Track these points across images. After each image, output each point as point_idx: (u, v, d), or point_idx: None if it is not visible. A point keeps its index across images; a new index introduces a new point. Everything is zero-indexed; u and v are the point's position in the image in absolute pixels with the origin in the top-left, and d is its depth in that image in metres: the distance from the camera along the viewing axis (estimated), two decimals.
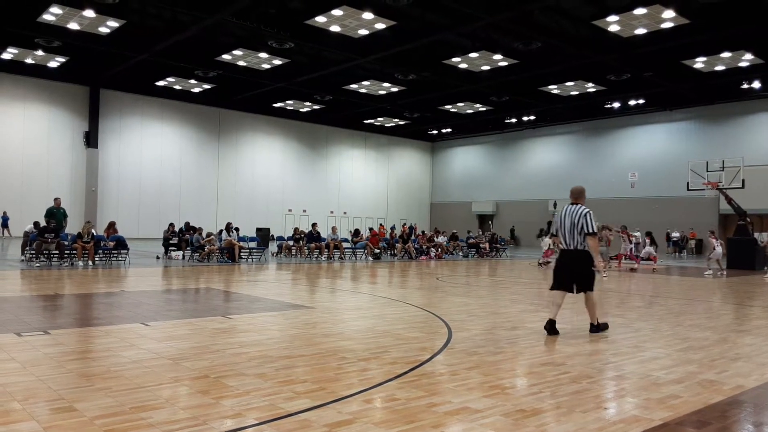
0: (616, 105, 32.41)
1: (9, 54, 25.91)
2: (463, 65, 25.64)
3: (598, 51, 22.98)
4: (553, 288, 6.97)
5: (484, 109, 34.86)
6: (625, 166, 35.23)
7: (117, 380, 4.48)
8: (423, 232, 28.54)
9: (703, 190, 23.31)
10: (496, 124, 39.16)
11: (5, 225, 26.62)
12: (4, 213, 26.61)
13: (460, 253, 26.37)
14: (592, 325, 6.99)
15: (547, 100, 31.73)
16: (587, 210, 6.85)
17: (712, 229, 20.51)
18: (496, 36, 22.04)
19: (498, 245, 27.57)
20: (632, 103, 31.93)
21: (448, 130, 42.27)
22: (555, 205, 38.18)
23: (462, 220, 40.87)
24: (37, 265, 15.06)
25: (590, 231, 6.73)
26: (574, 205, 6.94)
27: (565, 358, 5.64)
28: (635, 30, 20.63)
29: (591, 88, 29.33)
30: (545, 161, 39.63)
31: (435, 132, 43.34)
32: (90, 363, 5.16)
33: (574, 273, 6.85)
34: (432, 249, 24.62)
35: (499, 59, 24.65)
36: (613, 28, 20.55)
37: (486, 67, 25.85)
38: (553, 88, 29.66)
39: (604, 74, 26.69)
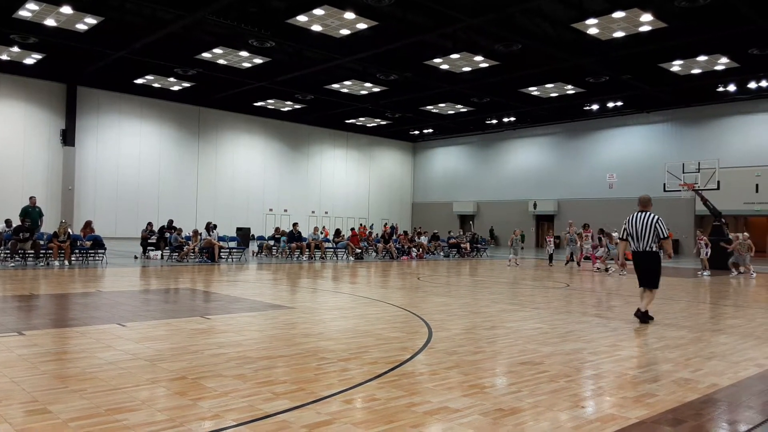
0: (595, 107, 32.79)
1: None
2: (445, 66, 25.74)
3: (577, 54, 23.23)
4: (641, 284, 8.17)
5: (465, 110, 35.03)
6: (604, 167, 35.67)
7: (92, 382, 4.41)
8: (405, 232, 28.59)
9: (680, 191, 23.69)
10: (477, 124, 39.37)
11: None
12: None
13: (441, 253, 26.47)
14: (639, 309, 7.94)
15: (527, 101, 31.99)
16: (658, 216, 7.99)
17: (701, 229, 20.88)
18: (477, 38, 22.16)
19: (478, 245, 27.72)
20: (610, 105, 32.34)
21: (430, 130, 42.39)
22: (535, 205, 38.51)
23: (443, 220, 41.03)
24: (12, 264, 14.79)
25: (664, 235, 7.88)
26: (644, 212, 7.99)
27: (543, 357, 5.69)
28: (614, 33, 20.90)
29: (570, 90, 29.64)
30: (525, 162, 39.96)
31: (416, 132, 43.43)
32: (65, 364, 5.07)
33: (643, 271, 8.02)
34: (413, 249, 24.67)
35: (480, 61, 24.79)
36: (592, 31, 20.79)
37: (467, 69, 25.98)
38: (533, 90, 29.91)
39: (583, 77, 27.00)
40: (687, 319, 8.52)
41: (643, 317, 7.86)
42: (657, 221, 7.90)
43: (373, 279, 14.71)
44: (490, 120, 37.68)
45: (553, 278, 15.70)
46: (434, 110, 35.57)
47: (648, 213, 7.99)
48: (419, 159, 47.26)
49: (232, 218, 34.08)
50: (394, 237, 26.24)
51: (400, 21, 20.31)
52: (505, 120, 37.08)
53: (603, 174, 35.53)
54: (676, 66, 24.93)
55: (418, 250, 24.77)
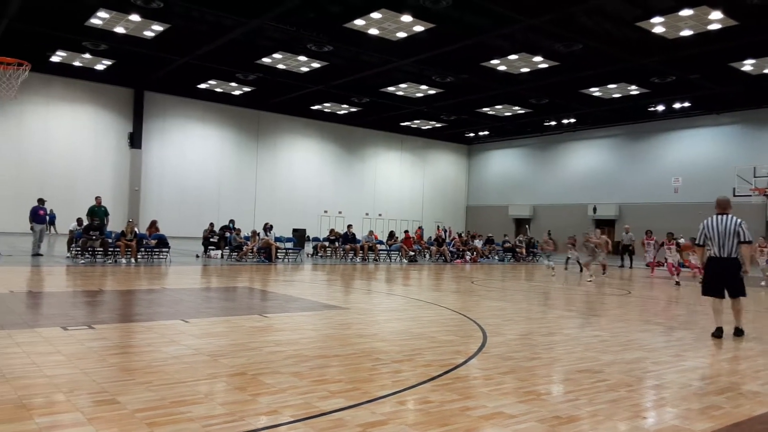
0: (661, 108, 31.59)
1: (58, 57, 26.86)
2: (502, 67, 25.42)
3: (641, 53, 22.46)
4: (705, 293, 7.56)
5: (522, 111, 34.47)
6: (669, 171, 34.31)
7: (157, 375, 4.60)
8: (459, 234, 28.38)
9: (750, 196, 22.52)
10: (535, 126, 38.65)
11: (52, 222, 27.57)
12: (51, 211, 27.64)
13: (496, 257, 26.13)
14: (737, 329, 7.42)
15: (588, 102, 31.18)
16: (741, 220, 7.42)
17: (764, 236, 19.76)
18: (536, 38, 21.77)
19: (535, 250, 27.21)
20: (677, 106, 31.07)
21: (486, 132, 41.92)
22: (595, 209, 37.47)
23: (498, 224, 40.46)
24: (82, 261, 15.56)
25: (746, 239, 7.28)
26: (724, 216, 7.43)
27: (602, 365, 5.53)
28: (681, 32, 20.09)
29: (634, 90, 28.67)
30: (585, 165, 38.92)
31: (472, 135, 43.04)
32: (132, 357, 5.31)
33: (727, 279, 7.33)
34: (467, 252, 24.47)
35: (539, 61, 24.35)
36: (658, 30, 20.05)
37: (525, 69, 25.56)
38: (595, 91, 29.12)
39: (647, 76, 26.06)
40: (756, 330, 8.10)
41: (740, 332, 7.41)
42: (740, 225, 7.32)
43: (427, 282, 14.68)
44: (549, 122, 36.92)
45: (614, 285, 15.24)
46: (491, 112, 35.17)
47: (728, 216, 7.42)
48: (474, 161, 46.83)
49: (289, 219, 34.72)
50: (448, 240, 26.09)
51: (458, 23, 20.20)
52: (565, 122, 36.24)
53: (668, 177, 34.18)
54: (748, 65, 23.72)
55: (473, 254, 24.55)
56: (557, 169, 40.55)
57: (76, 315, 7.44)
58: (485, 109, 34.44)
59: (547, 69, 25.24)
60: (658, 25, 19.61)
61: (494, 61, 24.67)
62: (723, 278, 7.34)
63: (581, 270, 17.52)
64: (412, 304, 9.74)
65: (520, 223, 40.87)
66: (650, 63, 23.72)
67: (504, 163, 44.32)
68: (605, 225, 37.80)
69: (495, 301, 10.56)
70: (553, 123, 37.05)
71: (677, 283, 15.67)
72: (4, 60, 8.29)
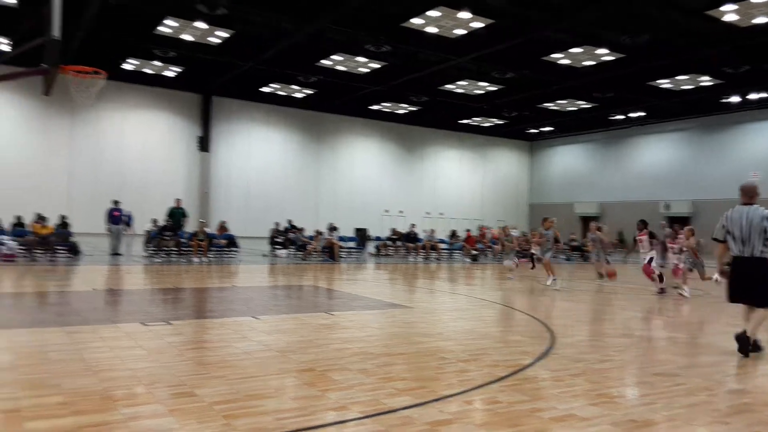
0: (735, 99, 29.94)
1: (130, 65, 28.18)
2: (565, 61, 24.77)
3: (712, 43, 21.34)
4: (733, 300, 6.22)
5: (587, 106, 33.46)
6: (746, 165, 32.44)
7: (231, 369, 4.78)
8: (522, 233, 27.85)
9: None
10: (601, 121, 37.44)
11: (129, 224, 28.99)
12: (129, 212, 29.13)
13: (562, 256, 25.51)
14: (744, 333, 6.11)
15: (656, 95, 29.93)
16: None
17: None
18: (600, 30, 21.08)
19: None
20: (753, 96, 29.36)
21: (549, 128, 40.98)
22: (667, 206, 35.96)
23: (563, 222, 39.38)
24: (158, 260, 16.29)
25: None
26: (750, 206, 6.09)
27: (679, 368, 5.32)
28: (754, 19, 18.98)
29: (706, 81, 27.29)
30: (655, 160, 37.38)
31: (534, 131, 42.17)
32: (207, 352, 5.53)
33: (750, 282, 5.98)
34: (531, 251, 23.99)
35: (604, 54, 23.57)
36: (729, 18, 19.00)
37: (589, 63, 24.81)
38: (664, 83, 27.92)
39: (720, 67, 24.76)
40: None
41: (746, 344, 5.88)
42: (767, 217, 5.93)
43: (491, 281, 14.52)
44: (615, 116, 35.69)
45: (690, 285, 14.58)
46: (553, 107, 34.35)
47: (755, 206, 6.06)
48: (537, 158, 45.86)
49: (350, 219, 35.05)
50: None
51: (517, 17, 19.84)
52: (632, 115, 34.93)
53: (745, 172, 32.28)
54: None
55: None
56: (625, 165, 39.13)
57: (154, 311, 7.81)
58: (548, 105, 33.67)
59: (613, 61, 24.41)
60: (729, 13, 18.61)
61: (556, 55, 24.08)
62: (749, 282, 6.01)
63: (533, 267, 15.78)
64: (476, 304, 9.66)
65: (587, 221, 39.74)
66: (722, 53, 22.53)
67: (568, 160, 43.18)
68: (679, 222, 36.24)
69: (563, 301, 10.32)
70: (620, 117, 35.78)
71: (662, 291, 11.72)
72: (82, 69, 8.77)
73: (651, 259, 11.92)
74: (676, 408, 4.10)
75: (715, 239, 6.30)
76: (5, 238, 15.12)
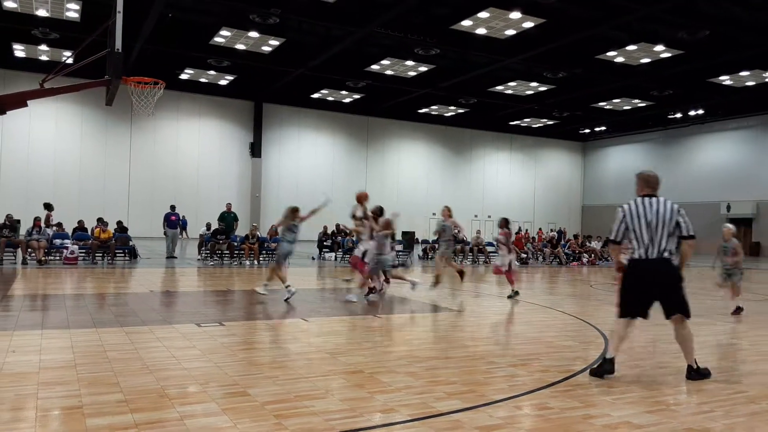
0: None
1: (186, 74, 29.18)
2: (620, 59, 24.12)
3: None
4: (624, 314, 5.09)
5: (643, 104, 32.48)
6: None
7: (283, 370, 4.86)
8: (575, 236, 27.26)
9: None
10: (658, 120, 36.26)
11: (184, 227, 29.94)
12: (183, 216, 30.11)
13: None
14: (690, 368, 4.99)
15: (717, 92, 28.76)
16: (678, 205, 5.03)
17: None
18: (656, 27, 20.45)
19: None
20: None
21: (602, 128, 39.97)
22: (728, 207, 34.45)
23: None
24: (211, 263, 16.74)
25: (690, 233, 4.95)
26: (654, 198, 5.00)
27: (740, 376, 5.09)
28: None
29: None
30: (716, 159, 35.88)
31: (587, 131, 41.21)
32: (259, 353, 5.65)
33: (661, 291, 4.94)
34: (584, 254, 23.45)
35: (661, 51, 22.83)
36: None
37: (645, 60, 24.08)
38: (725, 79, 26.80)
39: None
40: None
41: (697, 374, 4.93)
42: (679, 212, 4.94)
43: (540, 285, 14.26)
44: (673, 114, 34.48)
45: (751, 289, 13.92)
46: (607, 107, 33.49)
47: (661, 199, 4.99)
48: (590, 159, 44.76)
49: (398, 222, 35.17)
50: (563, 242, 25.16)
51: (569, 16, 19.47)
52: (692, 113, 33.67)
53: None
54: None
55: (590, 256, 23.48)
56: (684, 165, 37.72)
57: (208, 313, 8.03)
58: (602, 104, 32.85)
59: (671, 58, 23.62)
60: None
61: (611, 53, 23.48)
62: (654, 290, 4.94)
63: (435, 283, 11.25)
64: (525, 308, 9.50)
65: None
66: None
67: (623, 160, 41.94)
68: (741, 224, 34.68)
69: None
70: (678, 115, 34.55)
71: (514, 293, 10.46)
72: (143, 80, 9.12)
73: (509, 260, 10.65)
74: (736, 416, 3.92)
75: (612, 241, 5.12)
76: (68, 242, 15.86)
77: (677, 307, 4.96)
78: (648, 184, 5.09)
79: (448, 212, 11.75)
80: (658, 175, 5.21)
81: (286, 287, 9.19)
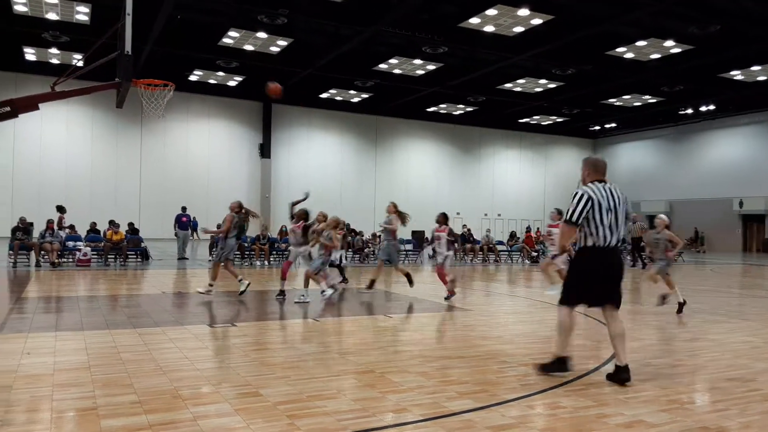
0: None
1: (195, 76, 29.32)
2: (629, 55, 23.96)
3: None
4: (578, 300, 4.89)
5: (654, 100, 32.25)
6: None
7: (294, 370, 4.87)
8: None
9: None
10: (669, 116, 35.98)
11: (195, 229, 30.08)
12: (194, 218, 30.27)
13: (628, 257, 24.63)
14: (618, 367, 4.71)
15: (728, 87, 28.49)
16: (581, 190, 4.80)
17: None
18: (666, 22, 20.28)
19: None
20: None
21: (613, 125, 39.73)
22: (741, 203, 34.13)
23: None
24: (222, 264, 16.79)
25: (631, 220, 4.91)
26: (607, 184, 4.81)
27: (755, 374, 5.04)
28: None
29: None
30: (728, 155, 35.54)
31: (597, 128, 40.98)
32: (271, 353, 5.67)
33: (612, 281, 4.80)
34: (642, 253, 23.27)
35: (671, 46, 22.66)
36: None
37: (656, 56, 23.91)
38: (736, 74, 26.55)
39: None
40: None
41: (621, 375, 4.64)
42: (627, 200, 4.87)
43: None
44: (684, 110, 34.21)
45: (765, 286, 13.80)
46: (617, 103, 33.28)
47: (613, 186, 4.83)
48: (600, 156, 44.42)
49: (407, 221, 35.17)
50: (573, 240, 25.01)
51: (579, 12, 19.37)
52: (703, 109, 33.39)
53: None
54: None
55: None
56: (696, 161, 37.41)
57: (220, 313, 8.07)
58: (612, 100, 32.66)
59: (681, 53, 23.43)
60: None
61: (620, 49, 23.34)
62: (609, 279, 4.77)
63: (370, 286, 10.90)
64: (536, 306, 9.47)
65: (654, 220, 38.23)
66: None
67: (634, 157, 41.68)
68: (753, 221, 34.36)
69: (629, 304, 9.96)
70: (689, 111, 34.28)
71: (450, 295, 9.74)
72: (153, 82, 9.17)
73: (446, 259, 9.88)
74: (751, 415, 3.89)
75: (569, 222, 4.72)
76: (80, 244, 16.00)
77: (619, 298, 4.83)
78: (598, 170, 4.90)
79: (393, 208, 10.79)
80: (605, 161, 5.08)
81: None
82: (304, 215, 10.02)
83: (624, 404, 4.08)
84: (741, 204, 34.15)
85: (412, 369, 4.98)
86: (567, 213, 4.77)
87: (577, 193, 4.76)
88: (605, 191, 4.73)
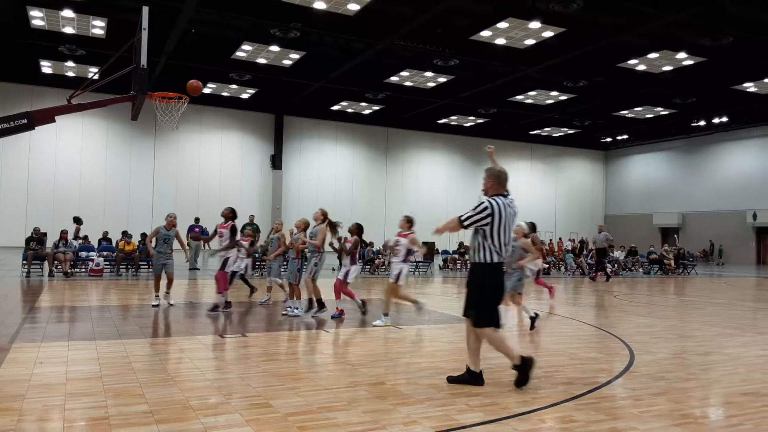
0: None
1: (209, 89, 29.63)
2: (641, 67, 23.92)
3: None
4: (497, 323, 4.91)
5: (666, 112, 32.11)
6: None
7: (305, 381, 4.87)
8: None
9: None
10: (681, 128, 35.80)
11: (206, 239, 30.27)
12: (206, 228, 30.43)
13: (640, 270, 24.44)
14: (474, 372, 4.90)
15: (742, 99, 28.32)
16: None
17: None
18: (678, 34, 20.24)
19: (685, 261, 25.06)
20: None
21: (624, 136, 39.58)
22: (755, 216, 33.79)
23: (641, 234, 37.82)
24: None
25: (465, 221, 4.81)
26: (508, 198, 4.91)
27: None
28: None
29: None
30: (742, 167, 35.25)
31: (609, 140, 40.85)
32: (281, 364, 5.67)
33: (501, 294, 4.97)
34: (608, 264, 23.12)
35: (684, 58, 22.60)
36: None
37: (668, 68, 23.85)
38: (750, 86, 26.40)
39: None
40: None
41: (478, 381, 4.82)
42: (516, 213, 4.96)
43: (563, 295, 14.09)
44: (697, 122, 34.02)
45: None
46: (629, 115, 33.17)
47: (512, 200, 4.95)
48: (612, 168, 44.30)
49: (418, 233, 35.12)
50: (585, 251, 24.87)
51: (590, 24, 19.38)
52: (716, 121, 33.18)
53: None
54: None
55: (613, 266, 23.15)
56: (709, 173, 37.14)
57: (230, 324, 8.08)
58: (623, 112, 32.56)
59: (693, 66, 23.36)
60: None
61: (632, 61, 23.31)
62: (500, 293, 4.94)
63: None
64: (548, 319, 9.40)
65: (667, 233, 37.91)
66: None
67: (646, 168, 41.45)
68: (767, 233, 34.00)
69: (642, 317, 9.87)
70: (702, 123, 34.09)
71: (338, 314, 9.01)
72: (167, 95, 9.27)
73: (348, 273, 9.18)
74: (767, 430, 3.83)
75: (461, 222, 4.81)
76: (93, 255, 16.13)
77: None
78: (500, 183, 4.92)
79: (321, 215, 9.63)
80: (507, 172, 5.05)
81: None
82: (230, 214, 9.85)
83: (637, 418, 4.04)
84: (755, 216, 33.81)
85: (422, 381, 4.96)
86: (464, 213, 4.82)
87: (482, 203, 4.79)
88: (506, 207, 4.79)
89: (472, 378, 4.86)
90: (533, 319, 7.98)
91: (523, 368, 4.79)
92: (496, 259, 4.74)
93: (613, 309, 10.94)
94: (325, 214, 9.58)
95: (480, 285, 4.86)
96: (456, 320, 8.87)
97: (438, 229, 4.98)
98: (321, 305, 8.99)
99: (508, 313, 8.12)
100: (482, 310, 4.84)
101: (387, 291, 8.55)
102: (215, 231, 10.00)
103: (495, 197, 4.82)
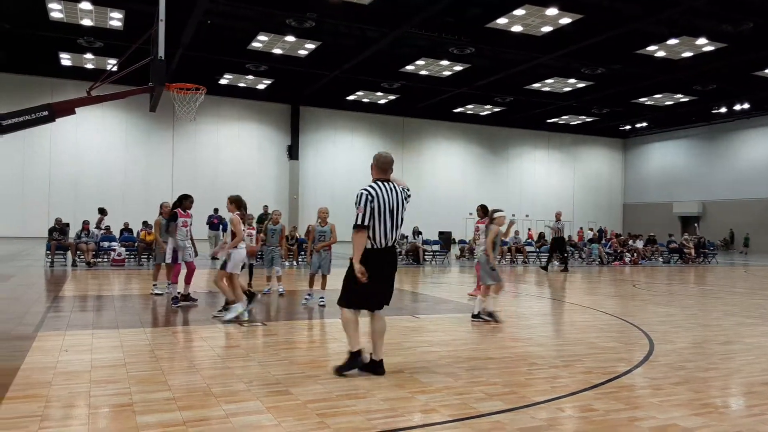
0: None
1: (225, 80, 29.76)
2: (660, 53, 23.54)
3: None
4: (359, 305, 4.84)
5: (686, 99, 31.61)
6: None
7: (324, 369, 4.92)
8: (617, 234, 26.69)
9: None
10: (701, 115, 35.22)
11: (225, 230, 30.53)
12: (224, 218, 30.71)
13: (660, 259, 24.20)
14: (374, 361, 4.83)
15: (763, 85, 27.78)
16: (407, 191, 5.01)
17: None
18: (698, 20, 19.88)
19: (705, 250, 24.74)
20: None
21: (644, 124, 39.05)
22: None
23: (661, 223, 37.39)
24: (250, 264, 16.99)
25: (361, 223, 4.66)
26: (390, 183, 4.86)
27: None
28: None
29: None
30: (763, 155, 34.63)
31: (628, 127, 40.34)
32: (300, 352, 5.74)
33: (389, 282, 4.89)
34: (627, 253, 22.94)
35: (704, 44, 22.19)
36: None
37: (687, 54, 23.44)
38: None
39: None
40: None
41: (378, 369, 4.77)
42: (408, 197, 4.98)
43: (581, 285, 14.02)
44: (718, 109, 33.45)
45: None
46: (648, 102, 32.71)
47: (395, 185, 4.90)
48: (631, 156, 43.76)
49: (434, 222, 35.04)
50: (604, 240, 24.68)
51: (608, 11, 19.10)
52: (737, 108, 32.59)
53: None
54: None
55: (633, 255, 22.96)
56: (730, 161, 36.53)
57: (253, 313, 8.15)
58: (642, 100, 32.12)
59: (713, 52, 22.94)
60: None
61: (651, 48, 22.95)
62: (388, 281, 4.86)
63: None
64: (567, 308, 9.37)
65: (687, 221, 37.44)
66: None
67: (666, 156, 40.89)
68: None
69: (661, 306, 9.79)
70: (723, 110, 33.51)
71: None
72: (185, 86, 9.33)
73: (226, 263, 8.18)
74: None
75: (360, 226, 4.64)
76: (115, 245, 16.36)
77: (390, 297, 4.92)
78: (380, 168, 4.87)
79: (277, 217, 9.95)
80: (392, 157, 4.98)
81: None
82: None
83: (656, 408, 4.03)
84: None
85: (440, 370, 4.98)
86: (356, 218, 4.67)
87: (359, 194, 4.73)
88: (386, 190, 4.73)
89: (375, 366, 4.79)
90: (491, 314, 7.66)
91: (351, 359, 4.76)
92: (368, 245, 4.67)
93: (632, 298, 10.87)
94: (279, 216, 10.59)
95: (350, 269, 4.82)
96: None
97: (354, 257, 4.71)
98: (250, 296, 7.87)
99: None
100: (345, 291, 4.87)
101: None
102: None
103: (374, 183, 4.82)
